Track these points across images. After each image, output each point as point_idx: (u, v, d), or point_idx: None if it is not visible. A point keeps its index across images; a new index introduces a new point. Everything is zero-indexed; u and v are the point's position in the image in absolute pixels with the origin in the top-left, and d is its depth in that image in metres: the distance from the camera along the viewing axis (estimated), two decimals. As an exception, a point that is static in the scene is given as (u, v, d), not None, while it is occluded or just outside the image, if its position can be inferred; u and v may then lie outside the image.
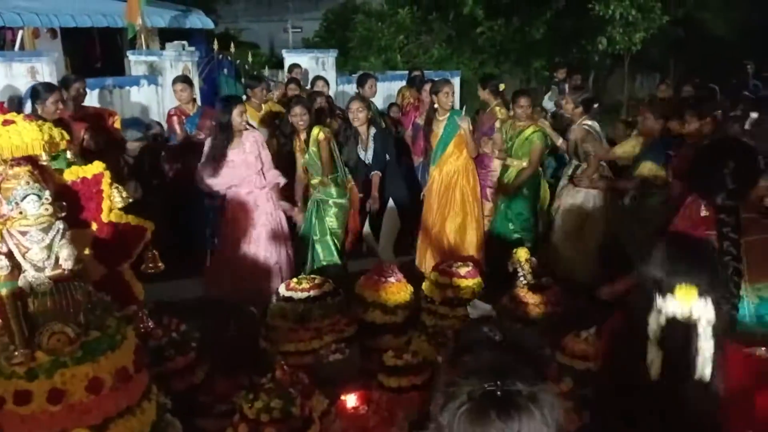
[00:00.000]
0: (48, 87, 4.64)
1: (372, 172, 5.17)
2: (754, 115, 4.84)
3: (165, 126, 5.83)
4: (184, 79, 5.79)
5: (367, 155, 5.25)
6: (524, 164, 5.21)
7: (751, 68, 8.03)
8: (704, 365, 1.43)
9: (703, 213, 2.07)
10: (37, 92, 4.51)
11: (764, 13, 12.51)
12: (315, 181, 4.88)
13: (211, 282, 4.71)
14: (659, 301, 1.50)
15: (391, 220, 5.34)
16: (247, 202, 4.59)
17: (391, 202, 5.35)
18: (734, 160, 1.97)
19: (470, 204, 5.31)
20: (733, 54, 10.97)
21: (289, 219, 4.92)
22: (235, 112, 4.45)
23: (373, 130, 5.26)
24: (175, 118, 5.56)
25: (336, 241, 4.87)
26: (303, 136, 4.85)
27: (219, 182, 4.54)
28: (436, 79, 6.22)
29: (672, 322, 1.46)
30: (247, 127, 4.60)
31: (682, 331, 1.45)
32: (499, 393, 1.18)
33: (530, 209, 5.32)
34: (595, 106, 5.34)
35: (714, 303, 1.48)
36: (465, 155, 5.25)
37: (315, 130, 4.81)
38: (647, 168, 4.48)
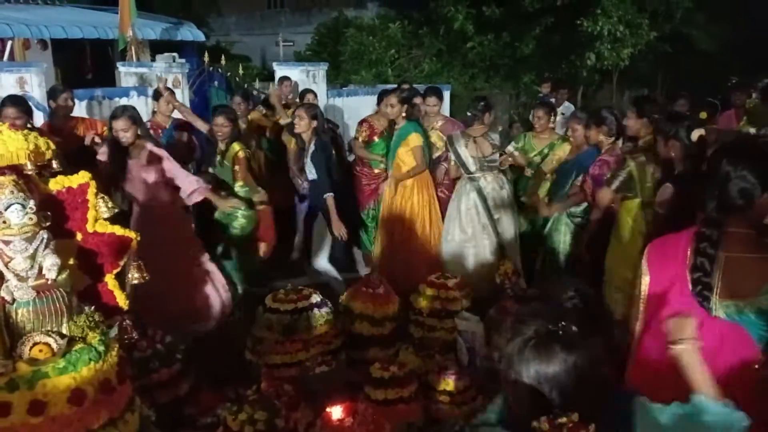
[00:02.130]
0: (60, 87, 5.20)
1: (324, 195, 4.88)
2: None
3: None
4: (171, 91, 5.78)
5: (306, 163, 5.07)
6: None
7: (735, 82, 8.13)
8: None
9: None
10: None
11: (749, 28, 12.69)
12: (224, 194, 4.78)
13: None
14: None
15: (322, 231, 5.09)
16: (155, 219, 4.27)
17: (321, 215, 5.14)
18: (745, 165, 1.88)
19: (421, 219, 5.26)
20: (719, 69, 11.11)
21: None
22: (118, 125, 4.15)
23: (313, 145, 4.97)
24: (152, 132, 5.51)
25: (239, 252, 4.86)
26: (222, 147, 4.81)
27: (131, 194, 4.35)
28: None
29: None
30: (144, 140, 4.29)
31: None
32: (561, 332, 1.41)
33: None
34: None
35: None
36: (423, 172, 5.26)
37: (235, 147, 4.76)
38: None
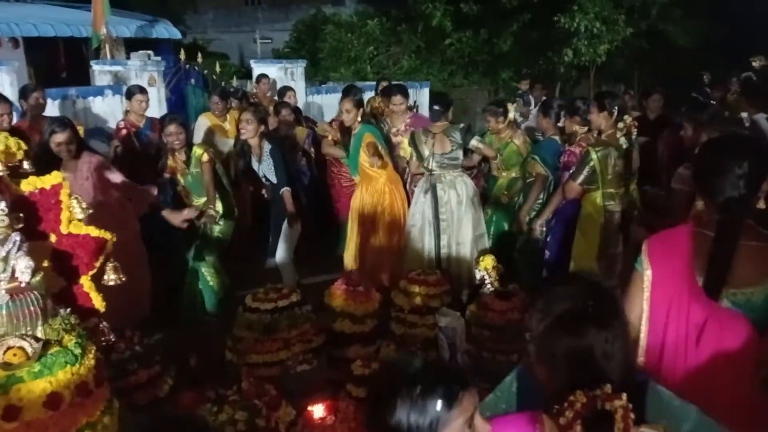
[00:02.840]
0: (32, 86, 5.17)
1: (281, 190, 4.82)
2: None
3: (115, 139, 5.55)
4: (143, 90, 5.69)
5: (261, 167, 4.93)
6: (513, 174, 5.25)
7: (707, 79, 8.26)
8: None
9: (699, 206, 2.03)
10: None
11: (725, 24, 12.87)
12: (198, 203, 4.67)
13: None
14: None
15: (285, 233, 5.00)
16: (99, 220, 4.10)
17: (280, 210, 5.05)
18: (749, 161, 1.90)
19: (395, 218, 5.19)
20: (696, 65, 11.25)
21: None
22: (61, 138, 3.89)
23: (267, 145, 4.86)
24: (124, 132, 5.44)
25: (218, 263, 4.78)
26: (180, 156, 4.61)
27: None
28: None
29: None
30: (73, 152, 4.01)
31: None
32: (591, 310, 1.49)
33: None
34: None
35: None
36: (385, 170, 5.19)
37: (198, 150, 4.61)
38: (530, 165, 4.94)
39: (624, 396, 1.41)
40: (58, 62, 11.82)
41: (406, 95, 5.81)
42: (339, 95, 9.39)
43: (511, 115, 5.32)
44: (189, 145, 4.64)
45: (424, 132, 5.01)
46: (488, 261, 4.09)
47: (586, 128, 4.54)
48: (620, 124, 4.19)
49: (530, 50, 13.12)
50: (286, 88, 7.19)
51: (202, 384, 3.31)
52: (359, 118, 5.14)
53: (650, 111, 6.21)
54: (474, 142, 5.30)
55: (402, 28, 13.88)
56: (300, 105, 7.65)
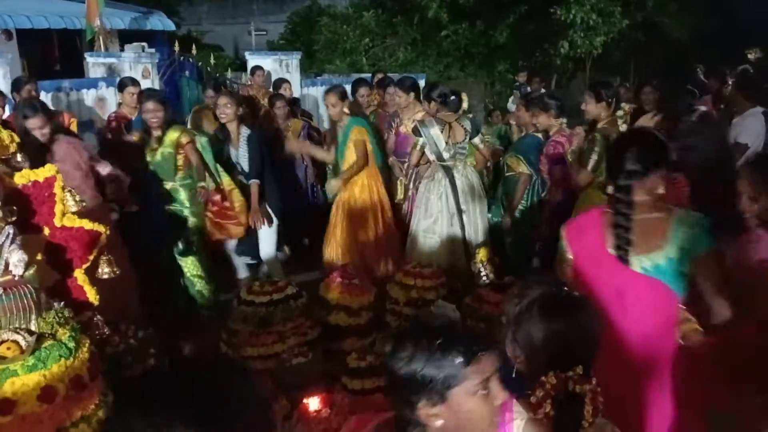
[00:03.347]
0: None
1: (250, 181, 4.73)
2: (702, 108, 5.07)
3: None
4: (135, 82, 5.65)
5: (238, 154, 4.81)
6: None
7: (702, 71, 8.26)
8: None
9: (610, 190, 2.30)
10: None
11: (721, 17, 12.87)
12: (168, 186, 4.52)
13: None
14: None
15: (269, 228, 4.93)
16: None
17: (266, 208, 4.92)
18: (637, 146, 2.23)
19: (371, 215, 5.06)
20: (690, 57, 11.24)
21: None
22: (33, 123, 3.77)
23: (245, 131, 4.76)
24: (114, 124, 5.39)
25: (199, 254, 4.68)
26: (156, 133, 4.44)
27: None
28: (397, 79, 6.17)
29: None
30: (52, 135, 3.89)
31: None
32: (565, 294, 1.60)
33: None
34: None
35: None
36: (368, 166, 5.05)
37: (175, 133, 4.46)
38: (508, 158, 5.05)
39: (594, 380, 1.47)
40: (52, 54, 11.75)
41: (409, 90, 5.57)
42: (334, 88, 9.44)
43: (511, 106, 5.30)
44: (168, 123, 4.49)
45: (437, 121, 4.84)
46: (483, 253, 4.09)
47: (559, 120, 4.66)
48: (619, 112, 4.24)
49: (526, 42, 13.09)
50: (282, 81, 7.16)
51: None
52: (346, 110, 5.01)
53: (646, 103, 6.21)
54: (476, 141, 5.24)
55: (398, 19, 13.82)
56: (295, 97, 7.62)
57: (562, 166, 4.55)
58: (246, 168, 4.77)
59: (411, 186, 5.34)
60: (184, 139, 4.46)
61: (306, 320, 3.74)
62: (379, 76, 7.41)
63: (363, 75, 9.08)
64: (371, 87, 6.02)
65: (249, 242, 5.04)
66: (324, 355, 3.71)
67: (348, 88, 6.02)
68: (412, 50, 13.70)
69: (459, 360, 1.33)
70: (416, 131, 4.90)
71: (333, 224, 5.14)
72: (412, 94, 5.44)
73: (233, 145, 4.81)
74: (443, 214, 4.90)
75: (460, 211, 4.91)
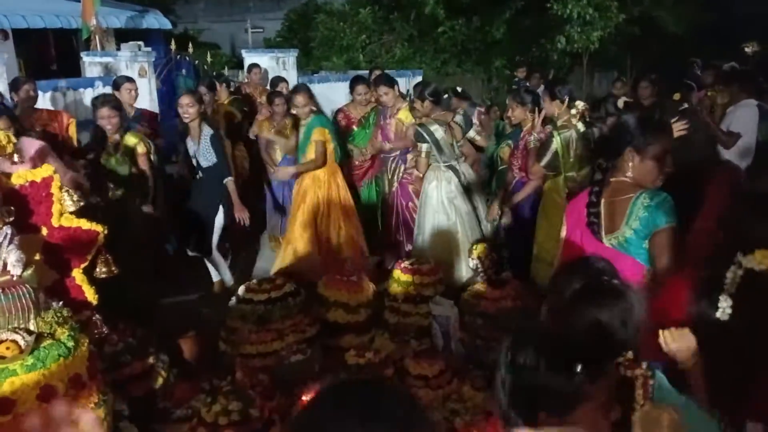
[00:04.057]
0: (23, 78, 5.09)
1: (225, 180, 4.72)
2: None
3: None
4: (131, 79, 5.64)
5: (198, 150, 4.76)
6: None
7: (698, 65, 8.27)
8: None
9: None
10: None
11: (716, 10, 12.87)
12: (118, 193, 4.34)
13: None
14: (740, 257, 1.73)
15: (218, 222, 4.83)
16: None
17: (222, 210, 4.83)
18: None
19: (325, 215, 5.04)
20: (687, 51, 11.24)
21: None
22: None
23: (208, 130, 4.75)
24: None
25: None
26: (115, 138, 4.33)
27: None
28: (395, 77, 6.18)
29: (748, 273, 1.69)
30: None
31: (758, 281, 1.68)
32: (606, 283, 1.65)
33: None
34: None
35: None
36: (327, 163, 5.04)
37: (132, 139, 4.38)
38: (500, 149, 5.23)
39: (644, 364, 1.52)
40: (48, 54, 11.72)
41: (391, 85, 5.56)
42: (331, 84, 9.43)
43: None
44: (125, 129, 4.44)
45: (438, 123, 4.77)
46: (481, 249, 4.10)
47: (533, 115, 4.68)
48: (573, 110, 4.35)
49: (523, 38, 13.08)
50: (279, 79, 7.15)
51: (196, 375, 3.33)
52: (313, 108, 5.05)
53: (642, 98, 6.22)
54: (472, 133, 5.25)
55: (394, 16, 13.79)
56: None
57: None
58: (202, 163, 4.78)
59: (395, 180, 5.34)
60: (140, 149, 4.40)
61: (304, 317, 3.75)
62: (377, 72, 7.40)
63: (360, 72, 9.07)
64: (369, 85, 6.01)
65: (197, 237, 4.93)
66: (323, 352, 3.73)
67: (346, 85, 6.04)
68: (409, 47, 13.67)
69: (584, 375, 1.29)
70: (419, 137, 4.76)
71: (292, 222, 5.10)
72: (397, 89, 5.56)
73: (193, 139, 4.80)
74: (462, 215, 4.84)
75: (473, 207, 4.93)
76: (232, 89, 7.34)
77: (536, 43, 12.91)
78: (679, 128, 2.81)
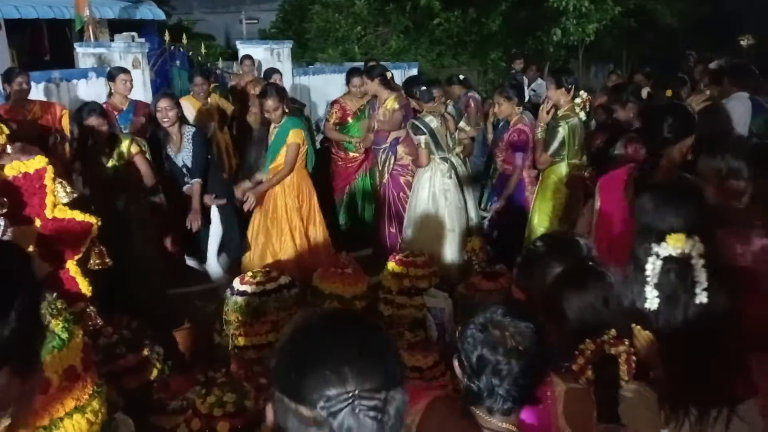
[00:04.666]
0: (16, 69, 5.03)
1: (193, 180, 4.38)
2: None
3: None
4: (126, 70, 5.61)
5: (180, 157, 4.45)
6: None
7: (693, 57, 8.27)
8: (701, 292, 1.64)
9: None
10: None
11: (711, 3, 12.89)
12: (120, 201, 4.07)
13: None
14: (655, 246, 1.71)
15: (214, 229, 4.59)
16: None
17: (214, 209, 4.56)
18: (672, 117, 2.83)
19: (287, 223, 4.69)
20: (682, 43, 11.27)
21: None
22: None
23: (189, 130, 4.47)
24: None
25: None
26: (105, 145, 4.04)
27: None
28: (394, 69, 6.19)
29: (668, 261, 1.67)
30: None
31: (677, 268, 1.67)
32: (588, 265, 1.71)
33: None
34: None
35: (701, 239, 1.69)
36: (297, 167, 4.69)
37: (123, 142, 4.09)
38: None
39: (626, 341, 1.57)
40: (41, 45, 11.62)
41: (372, 77, 5.55)
42: (326, 76, 9.41)
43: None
44: (112, 133, 4.15)
45: (435, 116, 4.74)
46: (476, 242, 4.11)
47: (520, 109, 4.79)
48: (577, 100, 4.42)
49: (519, 30, 13.07)
50: (273, 71, 7.12)
51: (191, 367, 3.33)
52: (286, 109, 4.66)
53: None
54: (462, 124, 5.27)
55: (390, 7, 13.74)
56: (287, 87, 7.59)
57: (523, 154, 4.70)
58: (191, 166, 4.45)
59: (386, 171, 5.35)
60: (134, 149, 4.14)
61: (299, 310, 3.75)
62: (372, 64, 7.38)
63: (355, 64, 9.05)
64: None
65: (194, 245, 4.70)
66: (318, 344, 3.72)
67: (341, 77, 6.01)
68: (404, 38, 13.63)
69: None
70: (416, 129, 4.74)
71: (256, 229, 4.78)
72: (377, 81, 5.50)
73: (174, 147, 4.47)
74: (458, 207, 4.85)
75: (465, 200, 4.94)
76: (212, 80, 7.24)
77: (532, 35, 12.91)
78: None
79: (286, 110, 4.67)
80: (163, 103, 4.36)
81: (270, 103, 4.55)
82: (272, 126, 4.70)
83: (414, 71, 10.32)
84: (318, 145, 6.51)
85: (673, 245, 1.66)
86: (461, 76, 7.03)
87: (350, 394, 0.91)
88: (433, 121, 4.74)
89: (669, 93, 5.35)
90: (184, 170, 4.48)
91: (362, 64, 8.17)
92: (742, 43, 8.96)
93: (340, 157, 5.95)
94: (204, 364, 3.34)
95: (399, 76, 8.36)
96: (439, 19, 13.06)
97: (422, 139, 4.73)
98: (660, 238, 1.68)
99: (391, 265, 4.21)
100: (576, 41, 12.49)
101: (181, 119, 4.48)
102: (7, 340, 0.78)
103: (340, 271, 4.04)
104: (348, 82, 6.03)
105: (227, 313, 3.65)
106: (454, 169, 4.86)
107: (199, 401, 2.63)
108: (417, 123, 4.75)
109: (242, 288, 3.66)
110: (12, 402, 0.78)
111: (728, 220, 2.33)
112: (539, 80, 9.04)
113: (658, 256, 1.66)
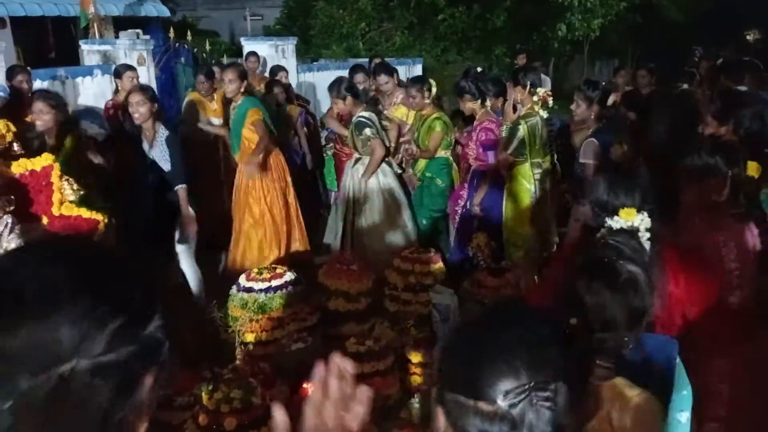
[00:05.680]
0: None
1: (177, 186, 4.25)
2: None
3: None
4: (132, 67, 5.62)
5: (153, 152, 4.28)
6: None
7: (699, 53, 8.25)
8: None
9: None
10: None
11: (717, -1, 12.83)
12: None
13: None
14: (608, 220, 1.89)
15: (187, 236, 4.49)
16: None
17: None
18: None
19: (262, 207, 4.86)
20: (688, 39, 11.22)
21: None
22: None
23: (163, 131, 4.28)
24: (112, 112, 5.34)
25: None
26: (50, 141, 3.78)
27: None
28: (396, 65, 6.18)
29: (617, 232, 1.81)
30: None
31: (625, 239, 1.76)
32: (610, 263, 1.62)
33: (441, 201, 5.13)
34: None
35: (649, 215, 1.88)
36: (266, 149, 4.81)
37: (72, 141, 4.00)
38: None
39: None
40: (47, 42, 11.65)
41: (391, 73, 5.60)
42: (331, 73, 9.40)
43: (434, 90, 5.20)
44: (63, 132, 4.01)
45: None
46: (481, 239, 4.11)
47: (479, 104, 4.77)
48: (535, 97, 4.44)
49: (524, 25, 13.04)
50: (278, 68, 7.12)
51: (198, 363, 3.34)
52: (242, 90, 4.77)
53: (641, 87, 6.21)
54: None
55: (394, 3, 13.73)
56: (292, 83, 7.59)
57: (495, 152, 4.65)
58: (164, 167, 4.30)
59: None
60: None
61: (305, 306, 3.76)
62: (377, 61, 7.37)
63: (360, 60, 9.04)
64: (368, 74, 5.99)
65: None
66: (323, 340, 3.74)
67: (345, 73, 6.01)
68: (408, 34, 13.62)
69: None
70: (362, 125, 4.83)
71: (240, 216, 4.91)
72: (395, 77, 5.60)
73: (147, 140, 4.33)
74: (391, 202, 4.96)
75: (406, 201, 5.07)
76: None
77: (537, 31, 12.88)
78: None
79: (242, 90, 4.78)
80: (135, 98, 4.22)
81: (230, 75, 4.70)
82: (231, 106, 4.85)
83: (418, 67, 10.32)
84: (323, 141, 6.52)
85: (624, 218, 1.84)
86: (479, 68, 7.02)
87: (526, 387, 0.92)
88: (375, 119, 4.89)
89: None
90: (151, 163, 4.31)
91: (367, 60, 8.17)
92: (748, 37, 8.92)
93: (344, 153, 5.94)
94: (210, 360, 3.34)
95: (403, 72, 8.35)
96: (444, 15, 13.05)
97: (368, 131, 4.82)
98: (614, 212, 1.88)
99: (397, 261, 4.21)
100: (581, 36, 12.46)
101: (156, 116, 4.30)
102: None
103: (346, 267, 4.05)
104: (351, 78, 6.02)
105: (233, 309, 3.67)
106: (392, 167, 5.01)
107: (205, 397, 2.64)
108: (362, 119, 4.81)
109: (248, 285, 3.68)
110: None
111: (712, 215, 2.41)
112: (542, 76, 9.01)
113: (610, 230, 1.82)
